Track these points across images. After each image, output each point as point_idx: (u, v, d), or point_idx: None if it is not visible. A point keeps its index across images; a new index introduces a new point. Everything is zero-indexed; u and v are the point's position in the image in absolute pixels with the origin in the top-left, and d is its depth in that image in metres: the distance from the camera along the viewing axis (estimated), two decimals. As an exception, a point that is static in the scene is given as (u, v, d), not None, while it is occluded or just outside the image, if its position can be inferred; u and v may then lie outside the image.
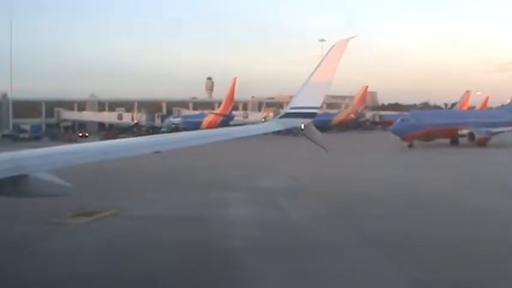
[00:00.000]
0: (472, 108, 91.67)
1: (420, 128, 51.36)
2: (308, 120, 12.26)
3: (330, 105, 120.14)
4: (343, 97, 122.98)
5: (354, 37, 12.50)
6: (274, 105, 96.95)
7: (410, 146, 50.67)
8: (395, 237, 14.69)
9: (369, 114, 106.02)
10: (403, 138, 51.79)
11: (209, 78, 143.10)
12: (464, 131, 51.98)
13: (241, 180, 28.14)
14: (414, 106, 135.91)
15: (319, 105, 12.77)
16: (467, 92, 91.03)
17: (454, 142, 54.12)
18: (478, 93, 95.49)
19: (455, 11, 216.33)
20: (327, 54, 12.37)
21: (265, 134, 13.82)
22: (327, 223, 16.95)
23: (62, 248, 13.83)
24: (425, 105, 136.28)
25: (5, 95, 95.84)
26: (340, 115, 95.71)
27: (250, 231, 15.83)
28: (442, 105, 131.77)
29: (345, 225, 16.38)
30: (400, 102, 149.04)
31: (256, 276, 11.52)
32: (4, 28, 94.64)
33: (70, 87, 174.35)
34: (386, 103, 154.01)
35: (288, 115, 12.67)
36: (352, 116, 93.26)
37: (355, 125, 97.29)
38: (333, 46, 12.39)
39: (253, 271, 11.82)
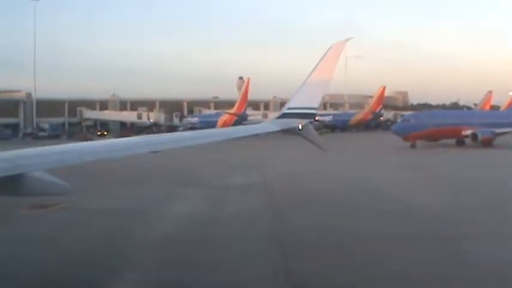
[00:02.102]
0: (495, 108, 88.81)
1: (421, 128, 50.44)
2: (305, 121, 12.27)
3: (352, 105, 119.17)
4: (366, 97, 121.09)
5: (351, 38, 12.65)
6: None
7: (413, 146, 49.66)
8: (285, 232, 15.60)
9: (390, 114, 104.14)
10: (405, 139, 50.84)
11: (240, 78, 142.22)
12: (468, 132, 50.45)
13: (214, 178, 29.17)
14: (443, 106, 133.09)
15: (317, 105, 12.90)
16: (489, 92, 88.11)
17: (460, 142, 52.93)
18: (511, 93, 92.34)
19: (491, 10, 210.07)
20: (324, 55, 12.39)
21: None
22: (249, 219, 17.77)
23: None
24: (455, 105, 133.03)
25: (29, 95, 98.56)
26: (357, 115, 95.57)
27: (166, 224, 17.00)
28: (472, 105, 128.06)
29: (262, 222, 17.27)
30: (430, 102, 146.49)
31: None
32: (28, 28, 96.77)
33: (93, 87, 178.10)
34: (416, 103, 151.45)
35: (286, 115, 12.69)
36: (370, 116, 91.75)
37: (375, 124, 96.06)
38: (330, 47, 12.44)
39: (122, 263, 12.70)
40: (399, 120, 54.24)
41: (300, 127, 12.05)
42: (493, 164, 36.73)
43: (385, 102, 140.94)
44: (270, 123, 14.60)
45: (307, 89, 12.35)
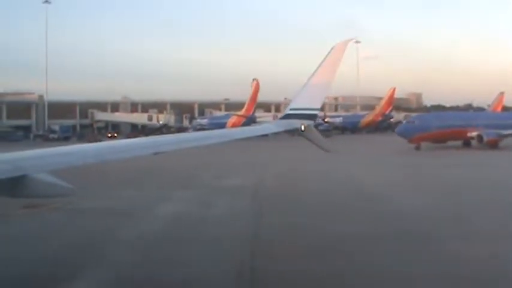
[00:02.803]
0: (508, 109, 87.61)
1: (425, 130, 49.81)
2: (308, 122, 12.24)
3: (364, 107, 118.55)
4: (378, 98, 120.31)
5: (353, 39, 12.85)
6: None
7: (417, 148, 49.15)
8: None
9: (400, 116, 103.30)
10: (409, 141, 50.32)
11: (254, 79, 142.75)
12: (474, 133, 49.87)
13: (210, 179, 29.07)
14: (457, 107, 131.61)
15: (319, 106, 12.92)
16: (501, 93, 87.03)
17: (466, 144, 52.23)
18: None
19: (506, 12, 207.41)
20: (326, 56, 12.38)
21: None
22: (232, 219, 18.16)
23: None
24: (469, 107, 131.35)
25: (41, 97, 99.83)
26: (367, 117, 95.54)
27: (147, 224, 17.18)
28: (486, 107, 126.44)
29: (242, 222, 17.35)
30: (444, 103, 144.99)
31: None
32: (40, 31, 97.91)
33: (104, 89, 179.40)
34: (430, 105, 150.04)
35: (288, 116, 12.69)
36: (380, 117, 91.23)
37: (385, 126, 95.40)
38: (332, 48, 12.40)
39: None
40: (404, 121, 53.57)
41: (303, 128, 12.02)
42: (488, 164, 36.32)
43: (399, 103, 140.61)
44: (273, 124, 14.99)
45: (309, 90, 12.35)
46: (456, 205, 19.98)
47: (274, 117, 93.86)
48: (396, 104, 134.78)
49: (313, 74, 12.33)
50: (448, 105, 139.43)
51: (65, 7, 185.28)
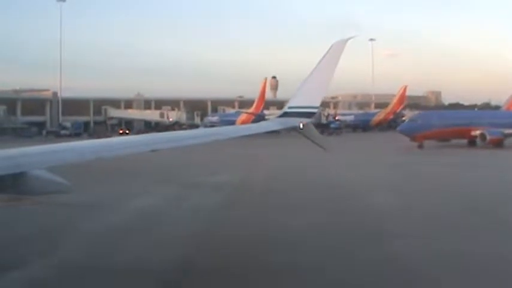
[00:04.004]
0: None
1: (428, 128, 49.32)
2: (307, 120, 12.32)
3: (380, 105, 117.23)
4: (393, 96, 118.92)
5: (352, 37, 12.52)
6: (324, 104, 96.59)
7: (420, 146, 48.49)
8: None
9: (412, 114, 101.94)
10: (411, 139, 49.77)
11: (274, 77, 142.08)
12: (477, 132, 49.01)
13: (198, 176, 29.18)
14: (475, 106, 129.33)
15: (317, 104, 12.93)
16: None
17: (471, 143, 51.31)
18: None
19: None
20: (325, 54, 12.39)
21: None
22: (189, 213, 18.70)
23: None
24: (486, 105, 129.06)
25: (55, 94, 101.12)
26: (379, 115, 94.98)
27: (117, 217, 17.89)
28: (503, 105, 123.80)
29: (206, 217, 17.87)
30: (463, 102, 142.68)
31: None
32: (55, 28, 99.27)
33: (118, 86, 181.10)
34: (447, 103, 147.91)
35: (287, 114, 12.75)
36: (391, 115, 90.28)
37: (397, 124, 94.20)
38: (331, 46, 12.41)
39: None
40: (406, 120, 53.00)
41: (301, 126, 12.03)
42: (483, 164, 35.91)
43: (417, 101, 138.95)
44: (271, 122, 14.89)
45: (308, 88, 12.34)
46: (410, 202, 20.19)
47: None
48: (414, 102, 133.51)
49: (311, 72, 12.33)
50: (466, 103, 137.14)
51: (79, 5, 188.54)
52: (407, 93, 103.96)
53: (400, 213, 18.07)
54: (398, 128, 53.09)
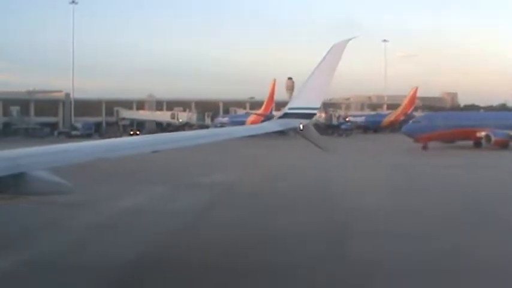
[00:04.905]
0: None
1: (432, 130, 48.85)
2: (306, 121, 12.40)
3: (393, 106, 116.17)
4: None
5: (353, 38, 12.51)
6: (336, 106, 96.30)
7: (424, 147, 48.07)
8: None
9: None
10: (415, 140, 49.34)
11: (290, 78, 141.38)
12: (482, 133, 48.38)
13: (193, 176, 29.44)
14: (491, 107, 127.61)
15: (318, 105, 13.01)
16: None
17: (477, 144, 50.65)
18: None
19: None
20: (325, 55, 12.42)
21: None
22: (169, 214, 18.94)
23: None
24: (503, 107, 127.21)
25: (67, 95, 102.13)
26: (389, 116, 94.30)
27: (93, 216, 18.44)
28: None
29: (191, 216, 18.37)
30: (479, 103, 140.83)
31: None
32: (67, 30, 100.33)
33: (130, 87, 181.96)
34: (463, 104, 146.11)
35: (287, 115, 12.80)
36: (402, 117, 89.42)
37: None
38: (331, 48, 12.43)
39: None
40: (410, 121, 52.61)
41: (301, 127, 12.05)
42: (483, 166, 35.66)
43: (433, 103, 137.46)
44: (272, 123, 14.96)
45: (308, 89, 12.39)
46: (390, 203, 20.51)
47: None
48: (430, 103, 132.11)
49: (312, 73, 12.31)
50: (482, 105, 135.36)
51: (91, 7, 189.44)
52: (423, 94, 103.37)
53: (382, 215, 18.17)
54: (402, 129, 52.64)
